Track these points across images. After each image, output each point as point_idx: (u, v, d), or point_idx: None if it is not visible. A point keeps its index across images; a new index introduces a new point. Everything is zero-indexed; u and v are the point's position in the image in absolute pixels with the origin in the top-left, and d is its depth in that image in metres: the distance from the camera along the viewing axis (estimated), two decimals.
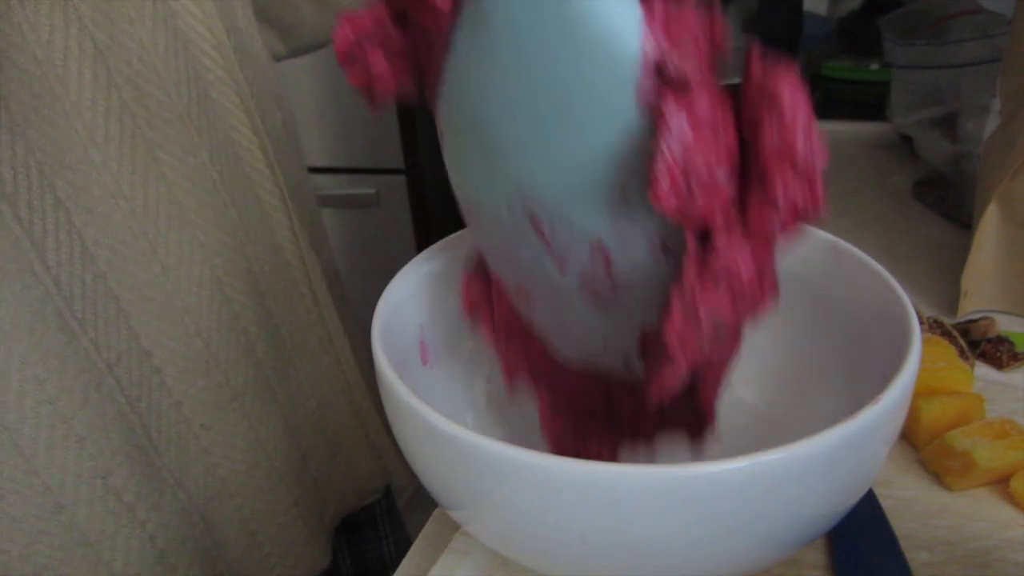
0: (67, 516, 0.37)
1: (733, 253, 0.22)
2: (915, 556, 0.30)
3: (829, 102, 0.95)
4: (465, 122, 0.25)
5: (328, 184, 1.57)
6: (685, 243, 0.22)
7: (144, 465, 0.41)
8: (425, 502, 0.30)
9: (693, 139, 0.20)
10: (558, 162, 0.23)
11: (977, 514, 0.32)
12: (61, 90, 0.36)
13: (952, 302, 0.48)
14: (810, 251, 0.33)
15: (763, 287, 0.22)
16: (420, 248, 0.44)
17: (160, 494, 0.42)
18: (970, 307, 0.47)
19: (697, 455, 0.30)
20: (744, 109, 0.22)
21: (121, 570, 0.40)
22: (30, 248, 0.35)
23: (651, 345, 0.26)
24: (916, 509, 0.33)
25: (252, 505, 0.47)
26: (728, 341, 0.25)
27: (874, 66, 0.97)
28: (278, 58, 0.56)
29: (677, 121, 0.20)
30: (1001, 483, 0.33)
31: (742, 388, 0.34)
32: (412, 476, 0.60)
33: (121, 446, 0.39)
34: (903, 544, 0.31)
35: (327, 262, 0.56)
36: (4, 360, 0.34)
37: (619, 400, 0.30)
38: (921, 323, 0.30)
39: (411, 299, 0.32)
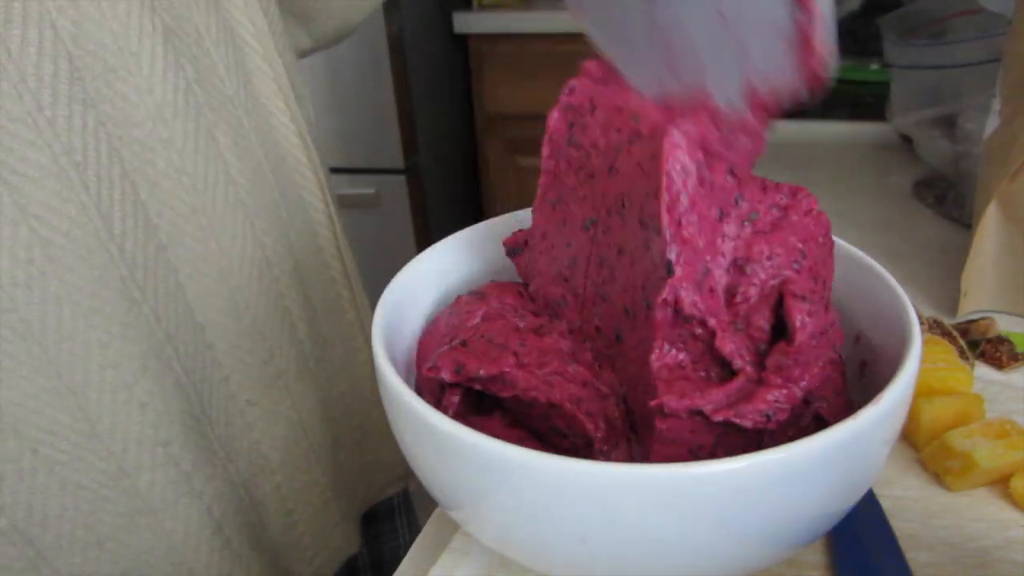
0: (129, 482, 0.38)
1: None
2: (915, 556, 0.30)
3: (829, 102, 0.95)
4: None
5: None
6: None
7: (199, 436, 0.42)
8: (426, 502, 0.30)
9: None
10: None
11: (977, 514, 0.32)
12: (135, 65, 0.37)
13: (952, 302, 0.48)
14: None
15: None
16: (420, 248, 0.44)
17: (213, 466, 0.43)
18: (970, 307, 0.47)
19: None
20: None
21: (182, 540, 0.41)
22: (96, 216, 0.36)
23: None
24: (916, 509, 0.33)
25: (291, 484, 0.48)
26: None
27: (874, 66, 0.98)
28: (303, 53, 0.57)
29: None
30: (1001, 483, 0.33)
31: None
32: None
33: (179, 415, 0.40)
34: (903, 544, 0.31)
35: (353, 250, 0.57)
36: (70, 321, 0.35)
37: None
38: (921, 323, 0.30)
39: (411, 299, 0.32)
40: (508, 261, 0.34)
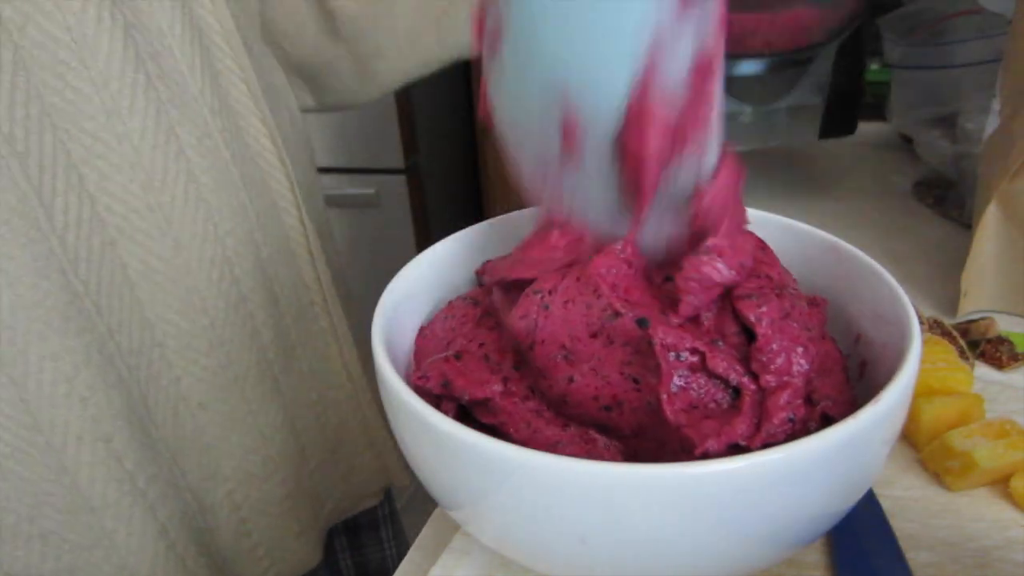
0: (70, 479, 0.38)
1: None
2: (915, 556, 0.30)
3: None
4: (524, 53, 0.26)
5: (328, 184, 1.57)
6: None
7: (143, 434, 0.41)
8: (425, 502, 0.30)
9: None
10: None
11: (977, 514, 0.32)
12: (90, 59, 0.37)
13: (952, 302, 0.48)
14: (810, 251, 0.33)
15: None
16: (420, 248, 0.44)
17: (158, 466, 0.42)
18: (970, 307, 0.47)
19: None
20: None
21: (124, 541, 0.40)
22: (37, 205, 0.36)
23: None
24: (916, 509, 0.33)
25: (244, 491, 0.47)
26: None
27: (874, 66, 0.97)
28: (304, 109, 0.56)
29: None
30: (1001, 483, 0.33)
31: None
32: (413, 476, 0.59)
33: (122, 411, 0.39)
34: (903, 544, 0.31)
35: (331, 255, 0.56)
36: (9, 312, 0.35)
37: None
38: (921, 323, 0.30)
39: (411, 299, 0.32)
40: None
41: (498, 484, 0.23)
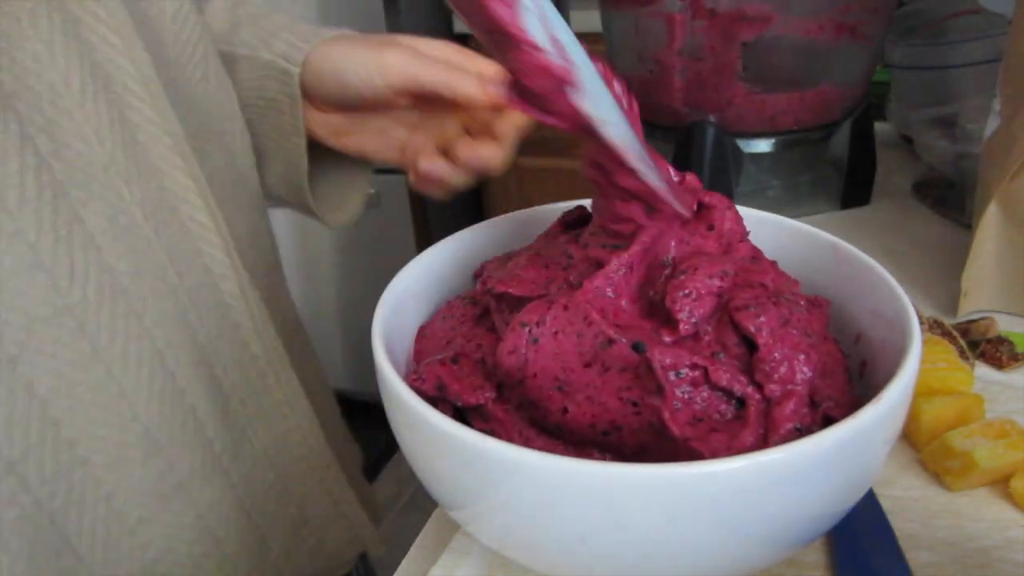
0: None
1: None
2: (915, 556, 0.30)
3: None
4: None
5: None
6: None
7: (56, 572, 0.36)
8: (425, 503, 0.30)
9: None
10: None
11: (977, 514, 0.32)
12: None
13: (952, 302, 0.48)
14: (810, 251, 0.33)
15: None
16: (420, 248, 0.43)
17: None
18: (970, 307, 0.47)
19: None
20: None
21: None
22: None
23: None
24: (916, 509, 0.33)
25: None
26: None
27: None
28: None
29: None
30: (1001, 483, 0.33)
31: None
32: (389, 545, 0.54)
33: (22, 552, 0.34)
34: (903, 544, 0.31)
35: (285, 312, 0.50)
36: None
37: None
38: (921, 323, 0.30)
39: (411, 299, 0.32)
40: None
41: (498, 484, 0.23)
